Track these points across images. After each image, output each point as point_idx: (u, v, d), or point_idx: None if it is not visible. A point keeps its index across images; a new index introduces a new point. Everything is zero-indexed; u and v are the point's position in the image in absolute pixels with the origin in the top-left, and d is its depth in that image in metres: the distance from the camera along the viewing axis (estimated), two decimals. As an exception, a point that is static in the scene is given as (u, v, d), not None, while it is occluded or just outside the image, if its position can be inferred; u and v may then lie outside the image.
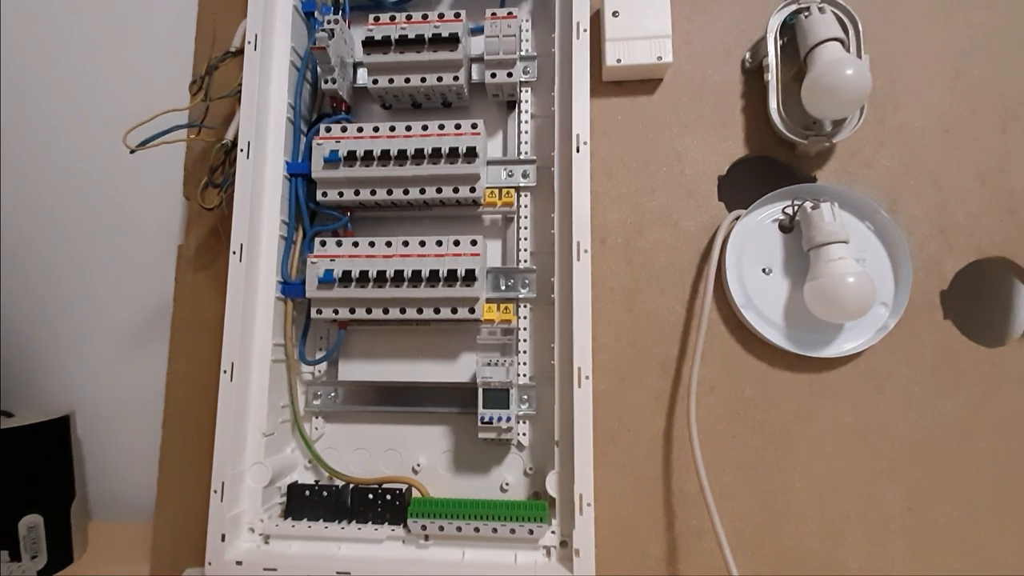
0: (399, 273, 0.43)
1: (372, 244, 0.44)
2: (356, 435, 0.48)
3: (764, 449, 0.45)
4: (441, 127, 0.44)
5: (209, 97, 0.48)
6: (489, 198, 0.46)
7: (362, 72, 0.49)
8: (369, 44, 0.45)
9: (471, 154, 0.43)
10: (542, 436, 0.45)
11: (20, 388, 0.64)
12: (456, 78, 0.45)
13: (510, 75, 0.45)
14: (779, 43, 0.45)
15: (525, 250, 0.46)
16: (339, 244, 0.45)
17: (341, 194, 0.45)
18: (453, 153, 0.43)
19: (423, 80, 0.45)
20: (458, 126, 0.44)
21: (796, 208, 0.45)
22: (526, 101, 0.48)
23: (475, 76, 0.47)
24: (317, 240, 0.45)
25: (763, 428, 0.45)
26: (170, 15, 0.62)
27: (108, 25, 0.65)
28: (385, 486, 0.44)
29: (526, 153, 0.48)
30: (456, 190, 0.44)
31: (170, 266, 0.51)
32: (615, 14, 0.46)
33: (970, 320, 0.46)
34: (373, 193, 0.44)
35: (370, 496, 0.44)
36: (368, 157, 0.44)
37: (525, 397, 0.45)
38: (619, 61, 0.46)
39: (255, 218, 0.44)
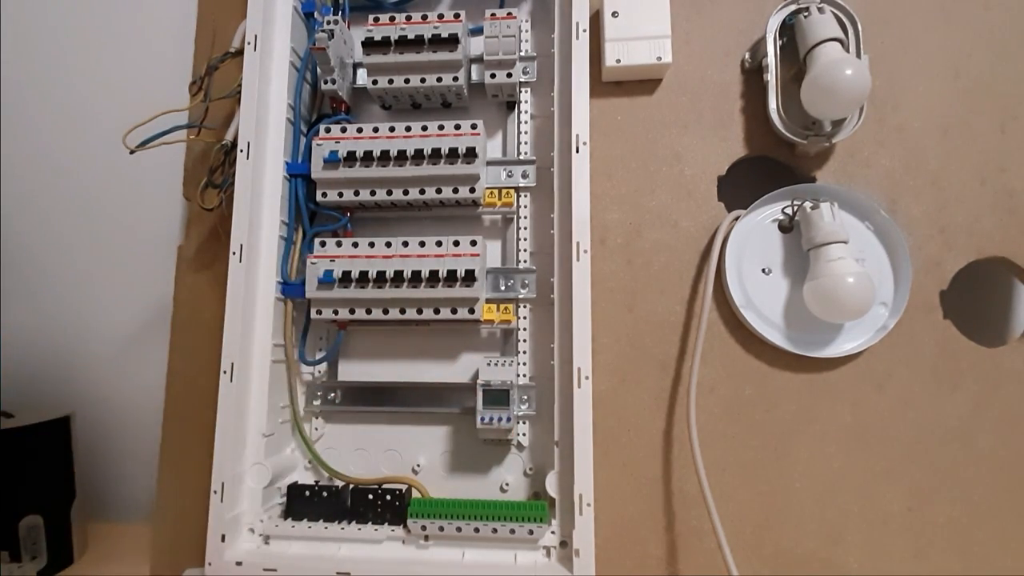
0: (399, 273, 0.43)
1: (372, 244, 0.44)
2: (356, 435, 0.48)
3: (764, 449, 0.45)
4: (441, 128, 0.44)
5: (209, 98, 0.48)
6: (489, 198, 0.46)
7: (362, 72, 0.49)
8: (369, 45, 0.45)
9: (471, 154, 0.43)
10: (542, 436, 0.45)
11: (20, 388, 0.64)
12: (456, 78, 0.45)
13: (510, 75, 0.45)
14: (779, 43, 0.45)
15: (525, 250, 0.46)
16: (339, 244, 0.45)
17: (341, 194, 0.45)
18: (453, 153, 0.43)
19: (423, 81, 0.45)
20: (458, 126, 0.44)
21: (796, 208, 0.45)
22: (526, 101, 0.48)
23: (475, 76, 0.47)
24: (317, 240, 0.45)
25: (763, 428, 0.45)
26: (170, 15, 0.62)
27: (108, 25, 0.65)
28: (385, 486, 0.44)
29: (526, 153, 0.48)
30: (456, 190, 0.44)
31: (170, 266, 0.51)
32: (614, 14, 0.46)
33: (970, 320, 0.46)
34: (373, 194, 0.44)
35: (370, 496, 0.44)
36: (368, 158, 0.44)
37: (525, 397, 0.45)
38: (618, 61, 0.46)
39: (255, 218, 0.44)
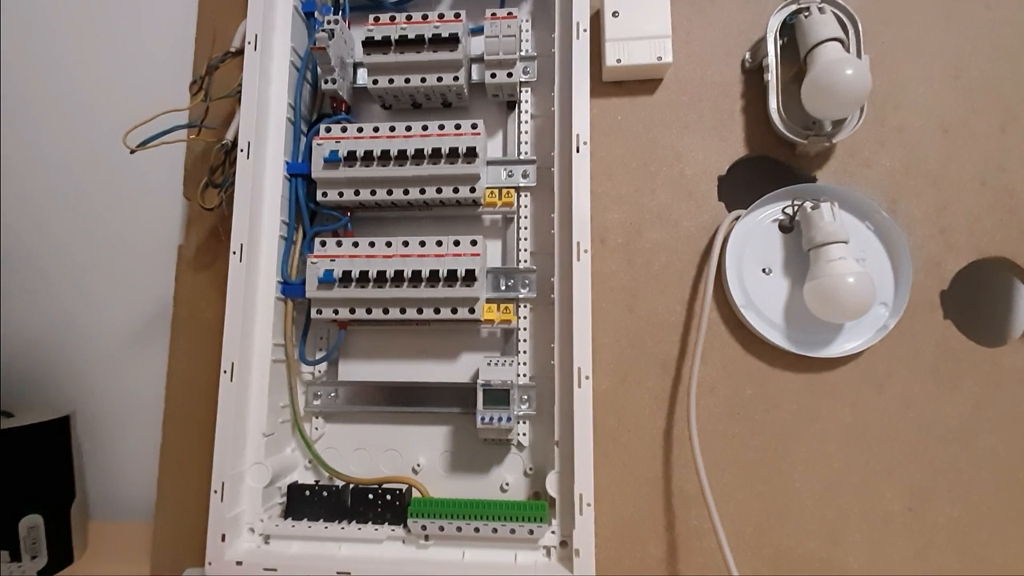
0: (399, 273, 0.43)
1: (372, 244, 0.44)
2: (356, 435, 0.48)
3: (764, 449, 0.45)
4: (441, 127, 0.44)
5: (209, 97, 0.48)
6: (489, 198, 0.46)
7: (362, 72, 0.49)
8: (369, 44, 0.45)
9: (471, 154, 0.43)
10: (542, 436, 0.45)
11: (20, 388, 0.64)
12: (456, 78, 0.45)
13: (510, 75, 0.45)
14: (779, 43, 0.45)
15: (525, 250, 0.46)
16: (339, 244, 0.45)
17: (341, 194, 0.45)
18: (453, 153, 0.43)
19: (423, 80, 0.45)
20: (458, 126, 0.44)
21: (796, 208, 0.45)
22: (526, 101, 0.48)
23: (475, 76, 0.47)
24: (317, 240, 0.45)
25: (763, 428, 0.45)
26: (170, 15, 0.62)
27: (108, 25, 0.65)
28: (385, 486, 0.44)
29: (526, 153, 0.48)
30: (456, 190, 0.44)
31: (170, 266, 0.51)
32: (615, 14, 0.46)
33: (970, 320, 0.46)
34: (373, 193, 0.44)
35: (370, 496, 0.44)
36: (368, 157, 0.44)
37: (525, 397, 0.45)
38: (619, 61, 0.46)
39: (255, 218, 0.44)
